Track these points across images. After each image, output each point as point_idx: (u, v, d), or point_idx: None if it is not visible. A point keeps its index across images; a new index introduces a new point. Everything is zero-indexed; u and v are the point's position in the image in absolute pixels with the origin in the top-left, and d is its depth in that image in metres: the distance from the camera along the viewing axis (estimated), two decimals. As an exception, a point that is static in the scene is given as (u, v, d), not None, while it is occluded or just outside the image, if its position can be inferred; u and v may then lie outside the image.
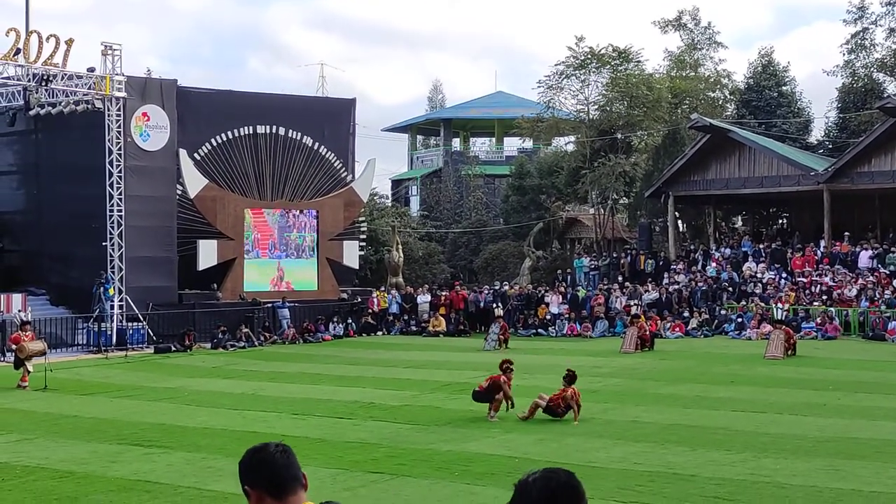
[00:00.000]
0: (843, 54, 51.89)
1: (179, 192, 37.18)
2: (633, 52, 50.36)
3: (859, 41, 51.29)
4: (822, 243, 40.32)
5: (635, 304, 36.88)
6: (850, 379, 23.35)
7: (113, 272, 33.60)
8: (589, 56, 49.94)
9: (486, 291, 40.58)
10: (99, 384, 24.84)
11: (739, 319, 35.71)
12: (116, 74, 33.40)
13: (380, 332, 38.96)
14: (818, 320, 34.36)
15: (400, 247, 45.73)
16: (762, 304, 36.04)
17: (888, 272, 36.86)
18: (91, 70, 33.17)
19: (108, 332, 32.91)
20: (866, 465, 13.82)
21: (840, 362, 26.76)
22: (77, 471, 14.26)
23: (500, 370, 18.24)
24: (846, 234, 39.81)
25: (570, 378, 18.09)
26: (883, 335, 32.85)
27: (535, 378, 24.23)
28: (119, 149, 33.78)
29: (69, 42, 31.75)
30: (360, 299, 40.37)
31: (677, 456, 14.62)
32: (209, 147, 38.50)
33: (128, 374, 26.89)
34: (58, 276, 37.26)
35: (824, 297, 36.19)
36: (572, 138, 56.38)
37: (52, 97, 33.42)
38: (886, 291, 35.42)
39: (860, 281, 36.52)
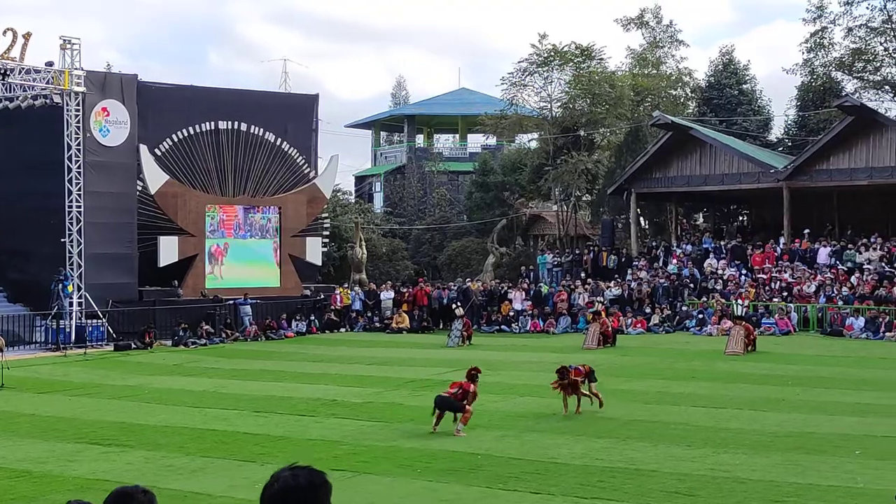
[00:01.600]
0: (803, 53, 52.48)
1: (140, 188, 36.88)
2: (595, 50, 50.63)
3: (818, 40, 51.84)
4: (782, 240, 40.68)
5: (598, 301, 37.03)
6: (809, 374, 23.57)
7: (72, 269, 33.26)
8: (552, 53, 50.11)
9: (451, 289, 40.60)
10: (57, 382, 24.59)
11: (700, 316, 35.94)
12: (75, 69, 33.04)
13: (343, 329, 38.84)
14: (776, 316, 34.67)
15: (363, 243, 45.64)
16: (723, 301, 36.29)
17: (846, 269, 37.23)
18: (49, 64, 32.81)
19: (67, 330, 32.55)
20: (824, 459, 13.95)
21: (799, 358, 27.00)
22: (34, 470, 14.11)
23: (469, 378, 17.07)
24: (805, 231, 40.17)
25: (562, 374, 18.01)
26: (841, 331, 33.16)
27: (498, 375, 24.26)
28: (78, 144, 33.42)
29: (27, 36, 31.37)
30: (322, 296, 40.24)
31: (638, 451, 14.69)
32: (170, 143, 38.21)
33: (87, 372, 26.64)
34: (15, 272, 36.78)
35: (784, 294, 36.51)
36: (535, 135, 56.62)
37: (10, 91, 33.01)
38: (844, 288, 35.79)
39: (819, 277, 36.87)
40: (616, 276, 40.94)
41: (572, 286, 39.59)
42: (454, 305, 36.87)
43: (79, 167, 33.41)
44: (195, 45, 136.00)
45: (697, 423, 16.98)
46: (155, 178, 37.12)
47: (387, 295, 40.29)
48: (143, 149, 36.53)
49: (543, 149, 51.80)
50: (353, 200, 61.28)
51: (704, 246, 42.85)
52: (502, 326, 37.84)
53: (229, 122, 39.38)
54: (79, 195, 33.45)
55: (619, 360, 27.56)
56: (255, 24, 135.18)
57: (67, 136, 33.20)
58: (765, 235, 42.94)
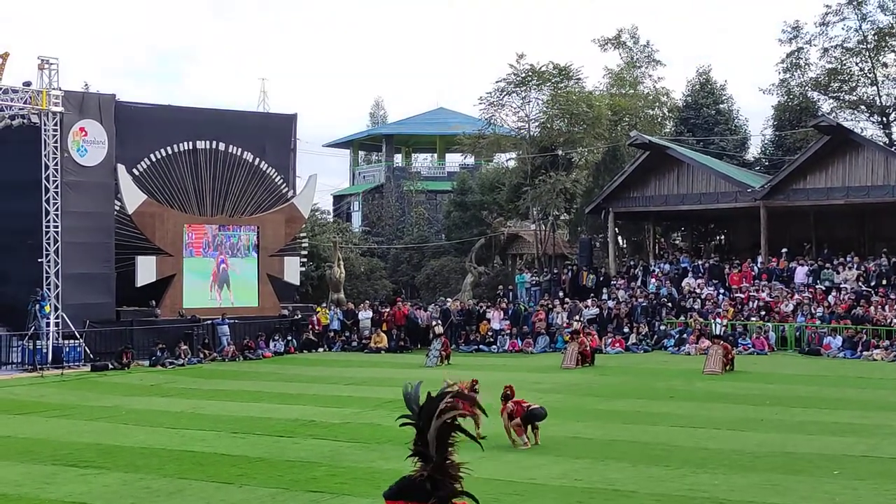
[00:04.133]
0: (779, 73, 52.89)
1: (117, 208, 36.73)
2: (573, 70, 50.77)
3: (794, 60, 52.27)
4: (759, 259, 40.89)
5: (576, 321, 37.08)
6: (787, 394, 23.65)
7: (49, 289, 33.06)
8: (530, 73, 50.24)
9: (430, 310, 40.60)
10: (34, 403, 24.40)
11: (679, 335, 36.05)
12: (53, 89, 32.91)
13: (321, 349, 38.70)
14: (753, 336, 34.84)
15: (341, 263, 45.55)
16: (701, 320, 36.42)
17: (823, 288, 37.44)
18: (27, 84, 32.69)
19: (44, 350, 32.29)
20: (803, 479, 14.00)
21: (777, 377, 27.10)
22: (10, 493, 13.97)
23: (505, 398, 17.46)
24: (783, 250, 40.40)
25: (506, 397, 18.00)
26: (819, 350, 33.34)
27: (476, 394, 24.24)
28: (56, 164, 33.26)
29: (4, 56, 31.26)
30: (299, 315, 40.07)
31: (617, 472, 14.69)
32: (148, 162, 38.08)
33: (64, 393, 26.44)
34: (-8, 293, 36.55)
35: (762, 313, 36.67)
36: (513, 155, 56.68)
37: (-13, 111, 32.87)
38: (821, 307, 35.98)
39: (796, 296, 37.07)
40: (593, 295, 41.02)
41: (550, 305, 39.64)
42: (434, 323, 36.83)
43: (56, 187, 33.25)
44: (171, 63, 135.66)
45: (676, 443, 17.00)
46: (133, 197, 36.97)
47: (365, 314, 40.21)
48: (121, 168, 36.39)
49: (521, 168, 51.89)
50: (332, 220, 61.18)
51: (682, 265, 43.03)
52: (481, 346, 37.83)
53: (207, 142, 39.29)
54: (56, 215, 33.28)
55: (598, 379, 27.59)
56: (232, 44, 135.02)
57: (45, 155, 33.04)
58: (742, 254, 43.18)
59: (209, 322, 36.85)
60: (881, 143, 45.24)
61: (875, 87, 51.35)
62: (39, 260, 33.14)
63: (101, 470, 15.55)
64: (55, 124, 33.22)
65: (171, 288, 37.82)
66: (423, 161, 75.46)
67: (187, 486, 14.32)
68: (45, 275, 33.09)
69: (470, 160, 64.56)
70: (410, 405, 3.49)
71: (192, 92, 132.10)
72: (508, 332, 38.20)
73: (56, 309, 33.08)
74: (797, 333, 35.20)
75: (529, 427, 17.12)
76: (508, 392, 17.58)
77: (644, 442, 17.24)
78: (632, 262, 46.42)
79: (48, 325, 32.63)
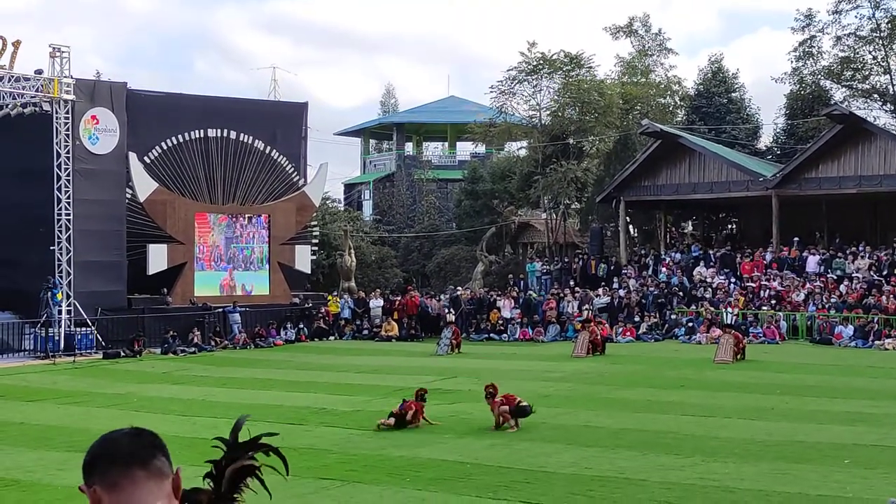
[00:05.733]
0: (791, 62, 52.71)
1: (129, 196, 36.80)
2: (584, 58, 50.67)
3: (807, 49, 52.07)
4: (771, 248, 40.80)
5: (587, 310, 37.07)
6: (798, 383, 23.61)
7: (61, 276, 33.16)
8: (541, 61, 50.16)
9: (442, 299, 40.64)
10: (46, 390, 24.50)
11: (690, 324, 36.01)
12: (65, 77, 32.97)
13: (332, 337, 38.77)
14: (765, 325, 34.79)
15: (352, 251, 45.59)
16: (712, 309, 36.37)
17: (835, 277, 37.35)
18: (39, 72, 32.75)
19: (56, 338, 32.41)
20: (813, 468, 13.98)
21: (788, 366, 27.04)
22: (23, 479, 14.05)
23: (416, 397, 18.22)
24: (794, 239, 40.29)
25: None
26: (830, 339, 33.28)
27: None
28: (67, 152, 33.34)
29: (16, 44, 31.30)
30: (310, 303, 40.15)
31: (627, 460, 14.69)
32: (159, 150, 38.15)
33: (76, 380, 26.55)
34: (4, 280, 36.59)
35: (773, 302, 36.61)
36: (525, 143, 56.64)
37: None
38: (833, 296, 35.90)
39: (808, 286, 36.99)
40: (604, 284, 40.99)
41: (561, 294, 39.62)
42: (447, 311, 36.80)
43: (68, 175, 33.33)
44: (181, 52, 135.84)
45: (687, 432, 16.99)
46: (144, 185, 37.05)
47: (376, 303, 40.26)
48: (133, 156, 36.45)
49: (532, 157, 51.84)
50: (343, 208, 61.24)
51: (693, 254, 42.95)
52: (491, 335, 37.84)
53: (218, 130, 39.33)
54: (68, 203, 33.36)
55: (609, 368, 27.57)
56: (242, 32, 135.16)
57: (56, 143, 33.11)
58: (754, 244, 43.09)
59: (220, 310, 36.95)
60: (894, 132, 45.03)
61: (888, 76, 51.12)
62: (51, 248, 33.25)
63: (113, 456, 15.58)
64: (66, 112, 33.28)
65: (183, 276, 37.92)
66: (434, 150, 75.41)
67: (199, 472, 14.32)
68: (56, 262, 33.20)
69: (481, 149, 64.50)
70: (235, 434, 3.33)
71: (202, 80, 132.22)
72: (519, 320, 38.20)
73: (68, 296, 33.20)
74: (808, 323, 35.13)
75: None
76: (491, 390, 17.80)
77: (654, 430, 17.23)
78: (643, 251, 46.36)
79: (60, 312, 32.75)
